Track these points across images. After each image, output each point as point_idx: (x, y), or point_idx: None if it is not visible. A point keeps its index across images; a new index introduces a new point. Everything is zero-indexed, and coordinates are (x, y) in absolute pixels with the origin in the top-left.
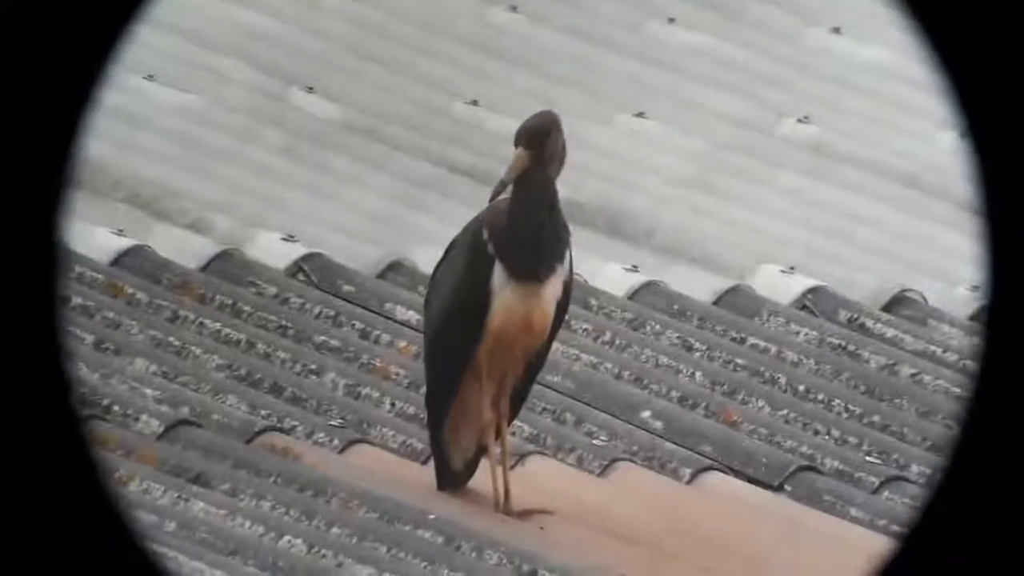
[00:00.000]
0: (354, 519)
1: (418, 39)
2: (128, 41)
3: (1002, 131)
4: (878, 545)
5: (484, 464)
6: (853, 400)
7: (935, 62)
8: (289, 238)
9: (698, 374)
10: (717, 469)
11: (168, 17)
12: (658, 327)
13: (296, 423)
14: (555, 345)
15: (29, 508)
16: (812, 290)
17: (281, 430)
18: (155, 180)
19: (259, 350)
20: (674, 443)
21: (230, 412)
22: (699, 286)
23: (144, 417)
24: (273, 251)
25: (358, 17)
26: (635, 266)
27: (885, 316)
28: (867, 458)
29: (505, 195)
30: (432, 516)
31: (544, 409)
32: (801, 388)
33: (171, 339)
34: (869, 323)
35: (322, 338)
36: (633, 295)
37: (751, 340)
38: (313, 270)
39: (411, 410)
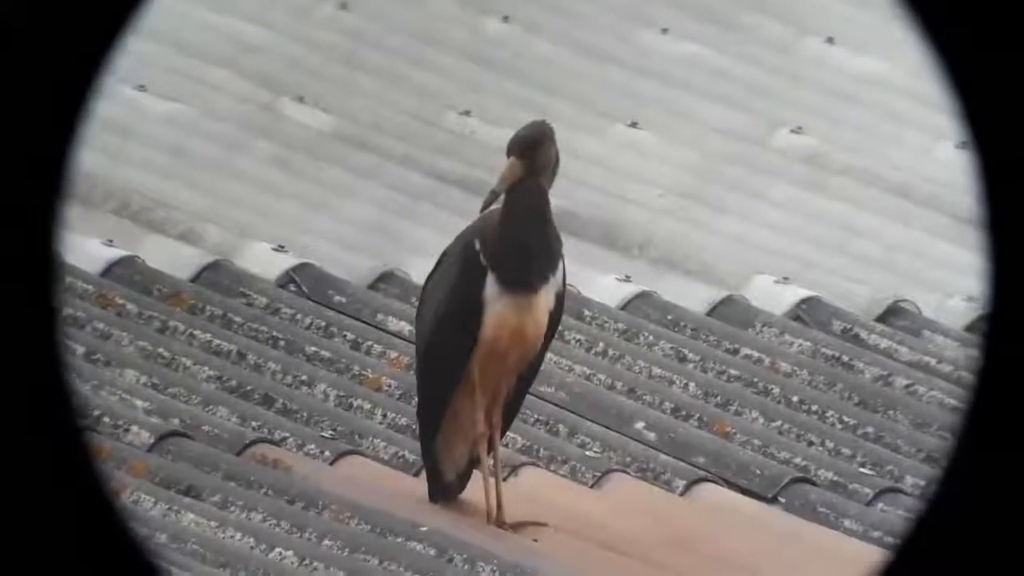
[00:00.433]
0: (345, 531)
1: (410, 49)
2: (122, 51)
3: (1007, 144)
4: (872, 557)
5: (476, 476)
6: (847, 411)
7: (942, 76)
8: (280, 248)
9: (692, 385)
10: (711, 480)
11: (158, 27)
12: (651, 338)
13: (287, 434)
14: (548, 356)
15: (31, 520)
16: (806, 301)
17: (272, 442)
18: (145, 190)
19: (250, 361)
20: (668, 454)
21: (221, 423)
22: (693, 297)
23: (134, 428)
24: (264, 261)
25: (349, 27)
26: (628, 276)
27: (879, 327)
28: (861, 469)
29: (497, 205)
30: (424, 528)
31: (537, 420)
32: (795, 399)
33: (161, 350)
34: (863, 334)
35: (313, 349)
36: (626, 306)
37: (745, 351)
38: (304, 280)
39: (403, 421)
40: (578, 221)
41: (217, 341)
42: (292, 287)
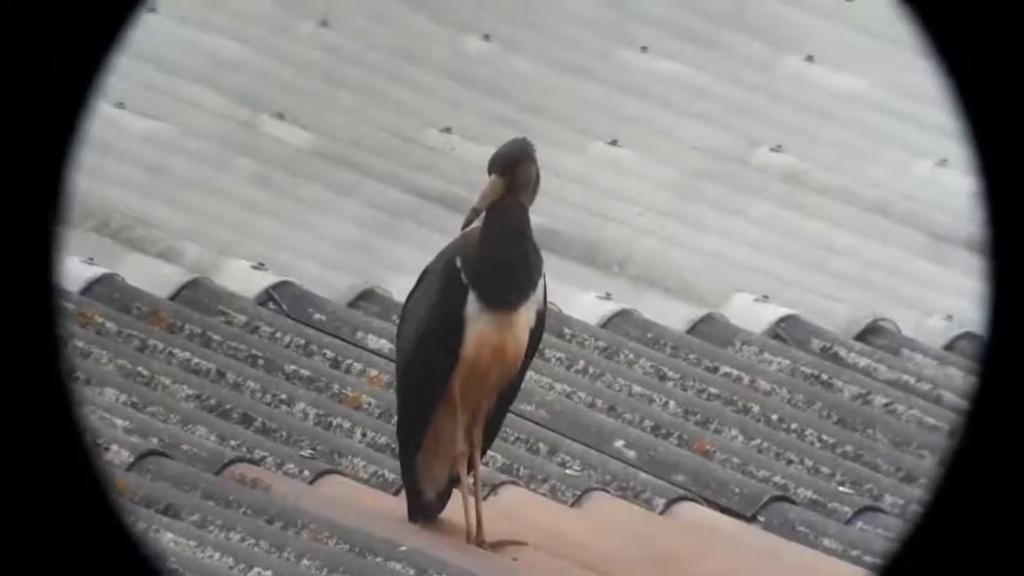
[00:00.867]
0: (324, 551)
1: (390, 66)
2: (110, 71)
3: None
4: (851, 575)
5: (456, 494)
6: (826, 430)
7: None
8: (259, 266)
9: (671, 403)
10: (690, 499)
11: (138, 45)
12: (632, 356)
13: (266, 454)
14: (529, 374)
15: (31, 520)
16: (785, 319)
17: (251, 461)
18: (125, 208)
19: (229, 380)
20: (647, 473)
21: (199, 442)
22: (673, 315)
23: (114, 447)
24: (243, 279)
25: (329, 44)
26: (609, 294)
27: (858, 345)
28: (840, 488)
29: (478, 223)
30: (403, 548)
31: (517, 439)
32: (774, 417)
33: (140, 369)
34: (842, 352)
35: (293, 367)
36: (607, 324)
37: (724, 369)
38: (284, 298)
39: (382, 440)
40: (559, 239)
41: (196, 359)
42: (272, 305)
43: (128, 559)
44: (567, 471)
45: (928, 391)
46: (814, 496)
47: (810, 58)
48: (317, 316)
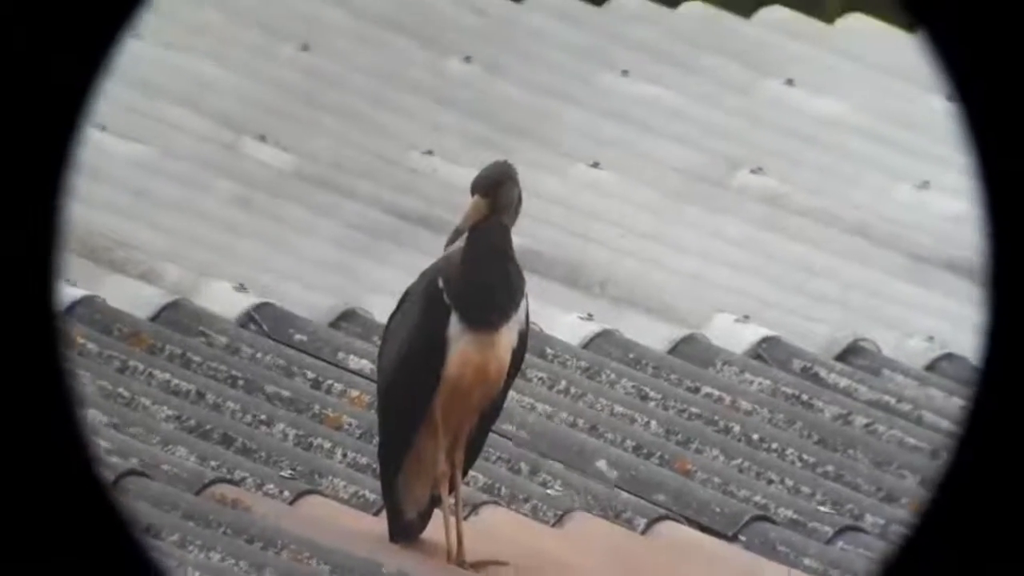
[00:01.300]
0: (305, 571)
1: (372, 89)
2: (99, 94)
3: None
4: None
5: (437, 514)
6: (807, 450)
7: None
8: (240, 287)
9: (653, 423)
10: (671, 519)
11: (119, 67)
12: (613, 376)
13: (246, 474)
14: (510, 394)
15: (31, 520)
16: (766, 340)
17: (231, 481)
18: (106, 230)
19: (209, 400)
20: (629, 492)
21: (180, 463)
22: (654, 335)
23: None
24: (224, 301)
25: (311, 67)
26: (590, 315)
27: (839, 366)
28: (820, 508)
29: (460, 244)
30: (384, 568)
31: (499, 458)
32: (755, 437)
33: (121, 389)
34: (823, 373)
35: (273, 388)
36: (588, 344)
37: (705, 389)
38: (265, 320)
39: (363, 460)
40: (541, 260)
41: (176, 380)
42: (252, 326)
43: (128, 559)
44: (548, 491)
45: (909, 411)
46: (794, 516)
47: (790, 81)
48: (298, 337)
